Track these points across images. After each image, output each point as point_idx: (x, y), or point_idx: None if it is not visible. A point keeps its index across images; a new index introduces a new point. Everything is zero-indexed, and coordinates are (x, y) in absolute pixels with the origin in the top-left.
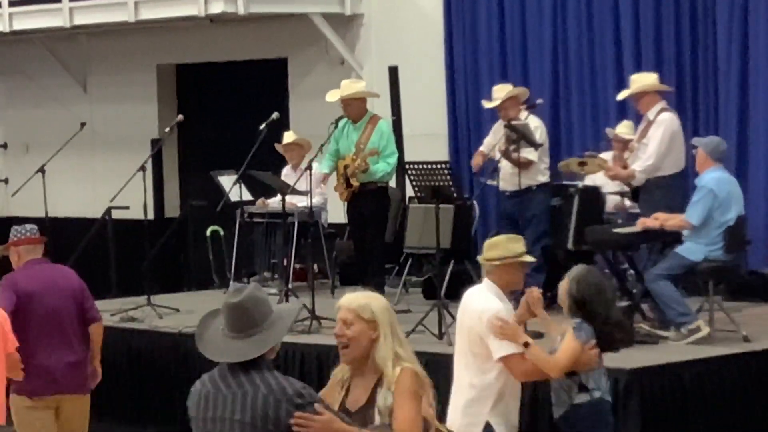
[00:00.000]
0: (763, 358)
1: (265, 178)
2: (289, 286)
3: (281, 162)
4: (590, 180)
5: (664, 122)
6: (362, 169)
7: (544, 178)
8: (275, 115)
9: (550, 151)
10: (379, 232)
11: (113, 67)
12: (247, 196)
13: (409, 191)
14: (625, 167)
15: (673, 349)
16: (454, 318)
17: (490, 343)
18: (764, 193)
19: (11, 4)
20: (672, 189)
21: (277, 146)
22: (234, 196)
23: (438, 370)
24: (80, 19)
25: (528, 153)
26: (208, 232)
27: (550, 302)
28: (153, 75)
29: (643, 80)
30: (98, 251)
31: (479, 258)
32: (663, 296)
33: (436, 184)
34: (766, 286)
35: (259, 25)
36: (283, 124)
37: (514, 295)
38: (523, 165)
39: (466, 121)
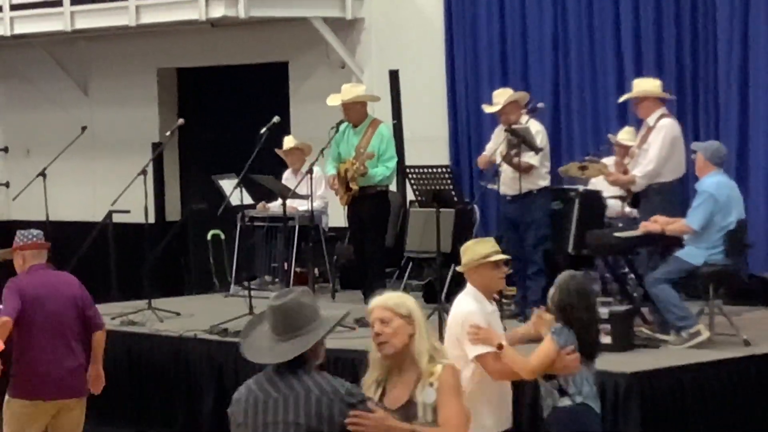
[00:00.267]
0: (763, 362)
1: (266, 182)
2: None
3: (282, 166)
4: (591, 184)
5: (664, 128)
6: (361, 172)
7: (544, 182)
8: (276, 118)
9: (550, 156)
10: (379, 236)
11: (114, 70)
12: (248, 199)
13: (410, 195)
14: (626, 172)
15: (674, 353)
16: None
17: (465, 345)
18: (764, 197)
19: (12, 8)
20: (672, 195)
21: (278, 151)
22: (235, 200)
23: None
24: (81, 23)
25: (529, 157)
26: (208, 236)
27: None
28: (154, 79)
29: (645, 85)
30: (99, 255)
31: (458, 269)
32: (663, 300)
33: (437, 188)
34: (766, 290)
35: (259, 29)
36: (284, 128)
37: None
38: (524, 169)
39: (466, 125)
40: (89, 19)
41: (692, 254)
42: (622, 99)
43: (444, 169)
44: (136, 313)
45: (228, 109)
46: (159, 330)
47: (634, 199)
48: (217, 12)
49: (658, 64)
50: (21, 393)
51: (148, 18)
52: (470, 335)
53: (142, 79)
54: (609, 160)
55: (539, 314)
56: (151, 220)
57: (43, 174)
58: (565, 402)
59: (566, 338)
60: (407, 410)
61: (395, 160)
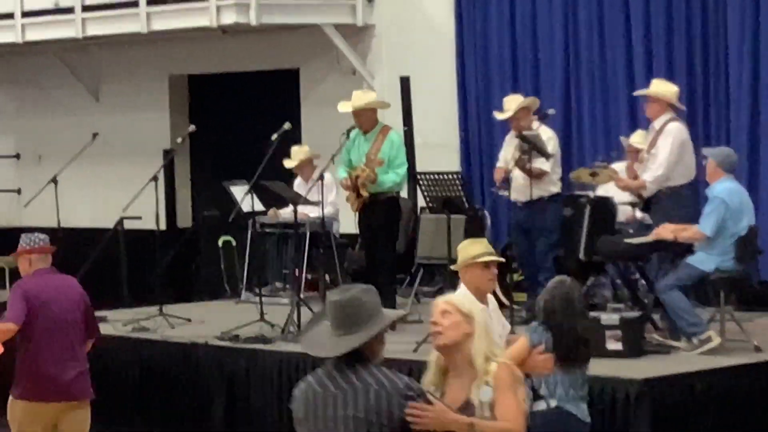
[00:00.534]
0: None
1: (277, 189)
2: (301, 296)
3: (293, 172)
4: (602, 190)
5: (671, 132)
6: (371, 179)
7: (556, 188)
8: (287, 125)
9: (561, 162)
10: (390, 242)
11: (125, 77)
12: (258, 206)
13: (421, 201)
14: (636, 178)
15: (685, 360)
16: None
17: None
18: None
19: (24, 15)
20: (682, 199)
21: (287, 165)
22: (246, 207)
23: None
24: (93, 30)
25: (541, 163)
26: (220, 243)
27: None
28: (165, 85)
29: (662, 88)
30: (110, 261)
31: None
32: (674, 306)
33: (448, 194)
34: None
35: (271, 35)
36: (295, 134)
37: None
38: (536, 176)
39: (477, 131)
40: (101, 26)
41: (703, 260)
42: (636, 93)
43: (455, 176)
44: (147, 320)
45: (239, 115)
46: (170, 336)
47: (646, 204)
48: (229, 19)
49: (669, 70)
50: (24, 394)
51: (159, 25)
52: None
53: (153, 86)
54: (619, 166)
55: (536, 354)
56: (163, 226)
57: (54, 180)
58: (540, 406)
59: (540, 337)
60: (465, 411)
61: (406, 166)
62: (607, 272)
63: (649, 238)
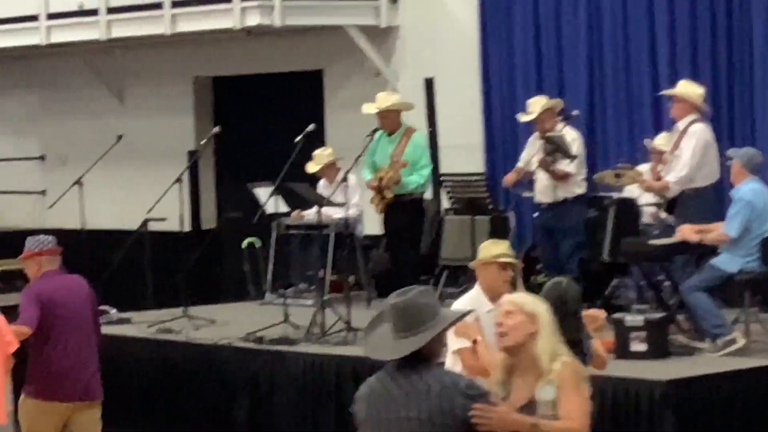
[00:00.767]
0: None
1: (301, 190)
2: (325, 297)
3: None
4: (626, 192)
5: (695, 133)
6: (395, 181)
7: (580, 189)
8: (311, 126)
9: (586, 162)
10: (414, 244)
11: (150, 79)
12: (283, 207)
13: (445, 203)
14: (659, 179)
15: (709, 361)
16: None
17: (449, 339)
18: None
19: (49, 17)
20: (706, 200)
21: (310, 170)
22: (270, 208)
23: None
24: (117, 32)
25: (565, 165)
26: (244, 244)
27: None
28: (189, 87)
29: (688, 89)
30: (135, 263)
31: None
32: (698, 308)
33: (472, 195)
34: None
35: (295, 37)
36: (319, 136)
37: None
38: (560, 177)
39: (501, 133)
40: (125, 28)
41: (728, 262)
42: (662, 93)
43: (479, 177)
44: (171, 321)
45: (263, 117)
46: (194, 338)
47: (669, 205)
48: (253, 20)
49: (693, 71)
50: (37, 393)
51: (183, 27)
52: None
53: (177, 88)
54: (644, 167)
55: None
56: (187, 228)
57: (79, 182)
58: None
59: None
60: (529, 410)
61: (429, 168)
62: (631, 273)
63: (673, 239)
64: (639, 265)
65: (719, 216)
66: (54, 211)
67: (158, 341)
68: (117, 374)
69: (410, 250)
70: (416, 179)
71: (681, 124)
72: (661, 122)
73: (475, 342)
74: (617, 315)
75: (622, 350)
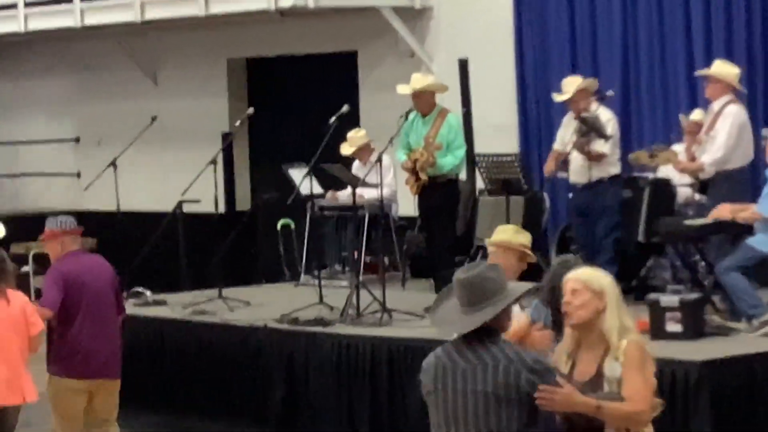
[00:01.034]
0: None
1: (336, 171)
2: (360, 278)
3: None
4: (661, 172)
5: (731, 114)
6: (430, 163)
7: (615, 170)
8: (345, 107)
9: (621, 143)
10: (449, 225)
11: (184, 61)
12: (317, 189)
13: (480, 184)
14: (694, 160)
15: (745, 341)
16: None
17: None
18: None
19: (83, 0)
20: (740, 181)
21: (344, 152)
22: (304, 190)
23: None
24: (151, 14)
25: (600, 146)
26: (278, 226)
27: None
28: (223, 69)
29: (724, 69)
30: (169, 245)
31: (486, 240)
32: (734, 288)
33: (507, 176)
34: None
35: (328, 18)
36: (353, 117)
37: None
38: (595, 158)
39: (536, 113)
40: (159, 10)
41: (763, 242)
42: (697, 73)
43: (513, 158)
44: (206, 303)
45: (297, 98)
46: (229, 319)
47: (702, 186)
48: (287, 2)
49: (728, 50)
50: (60, 372)
51: (217, 8)
52: None
53: (211, 70)
54: (679, 148)
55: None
56: (221, 209)
57: (113, 164)
58: None
59: (539, 314)
60: (595, 383)
61: (464, 149)
62: (666, 254)
63: (708, 219)
64: (674, 246)
65: (753, 196)
66: (89, 193)
67: (193, 323)
68: (152, 356)
69: (445, 230)
70: (451, 161)
71: (716, 105)
72: (695, 102)
73: None
74: (652, 295)
75: (657, 331)
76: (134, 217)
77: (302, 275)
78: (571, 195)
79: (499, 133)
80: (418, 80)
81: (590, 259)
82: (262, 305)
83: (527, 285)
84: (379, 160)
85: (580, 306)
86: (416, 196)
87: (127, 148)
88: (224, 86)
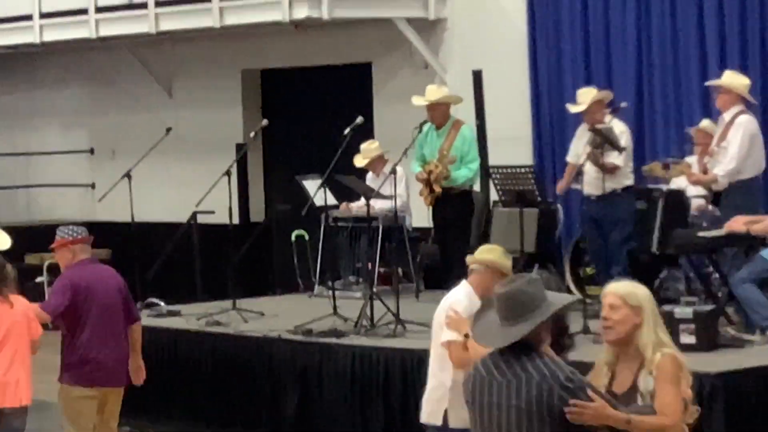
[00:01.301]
0: None
1: (350, 182)
2: (374, 290)
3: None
4: (674, 184)
5: (742, 125)
6: (444, 176)
7: (628, 181)
8: (359, 119)
9: (634, 154)
10: (463, 236)
11: (198, 72)
12: (331, 200)
13: (494, 195)
14: (706, 172)
15: (759, 353)
16: None
17: (442, 331)
18: None
19: (98, 11)
20: (752, 191)
21: (358, 164)
22: (319, 201)
23: None
24: (166, 25)
25: (614, 158)
26: (293, 237)
27: None
28: (238, 80)
29: (734, 79)
30: (184, 255)
31: (469, 257)
32: (748, 300)
33: (521, 188)
34: None
35: (343, 29)
36: (367, 128)
37: None
38: (609, 170)
39: (550, 125)
40: (174, 21)
41: None
42: (707, 84)
43: (527, 169)
44: (220, 314)
45: (311, 109)
46: (243, 330)
47: (715, 197)
48: (301, 13)
49: (743, 61)
50: (77, 380)
51: (232, 19)
52: (446, 319)
53: (226, 81)
54: (692, 160)
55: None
56: (236, 220)
57: (128, 175)
58: None
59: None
60: (629, 396)
61: (478, 161)
62: (680, 265)
63: (721, 231)
64: (688, 257)
65: (766, 206)
66: (103, 204)
67: (207, 334)
68: (166, 366)
69: (459, 242)
70: (465, 173)
71: (727, 116)
72: (709, 114)
73: (466, 336)
74: (666, 307)
75: None
76: (148, 228)
77: (316, 286)
78: (584, 206)
79: (513, 144)
80: (434, 92)
81: (604, 271)
82: (276, 316)
83: (568, 298)
84: (393, 171)
85: (619, 321)
86: (430, 208)
87: (141, 159)
88: (239, 97)
